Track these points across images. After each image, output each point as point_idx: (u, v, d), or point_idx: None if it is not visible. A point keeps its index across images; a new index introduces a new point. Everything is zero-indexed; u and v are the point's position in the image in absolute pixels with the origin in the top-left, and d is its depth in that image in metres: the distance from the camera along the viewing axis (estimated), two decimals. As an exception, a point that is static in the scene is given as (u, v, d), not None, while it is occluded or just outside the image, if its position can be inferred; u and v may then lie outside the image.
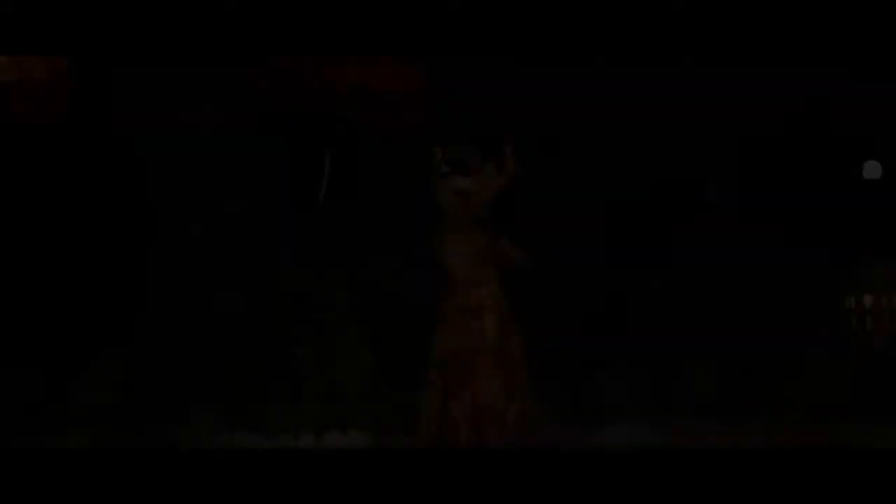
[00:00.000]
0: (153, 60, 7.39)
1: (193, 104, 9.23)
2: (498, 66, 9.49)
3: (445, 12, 5.90)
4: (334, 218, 9.24)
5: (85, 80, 6.18)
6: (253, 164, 9.61)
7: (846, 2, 5.91)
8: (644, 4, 6.00)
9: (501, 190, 6.03)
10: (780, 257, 10.16)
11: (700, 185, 10.76)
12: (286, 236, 9.49)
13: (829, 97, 10.08)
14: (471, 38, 6.23)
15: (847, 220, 10.91)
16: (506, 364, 6.10)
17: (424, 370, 6.17)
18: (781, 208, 10.51)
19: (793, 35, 5.98)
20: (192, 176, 9.34)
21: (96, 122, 8.85)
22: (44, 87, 5.82)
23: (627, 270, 10.67)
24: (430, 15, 5.94)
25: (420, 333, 6.70)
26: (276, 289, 9.52)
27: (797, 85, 9.99)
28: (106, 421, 8.47)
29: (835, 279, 10.52)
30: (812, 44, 6.02)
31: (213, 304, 9.18)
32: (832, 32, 5.89)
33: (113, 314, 9.76)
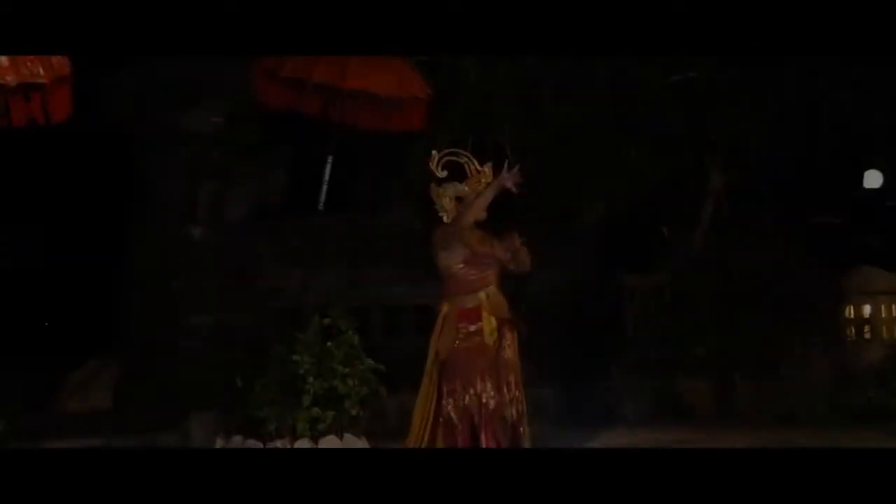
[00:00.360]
0: (151, 56, 7.37)
1: (195, 108, 9.24)
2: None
3: (446, 12, 5.87)
4: (333, 222, 9.23)
5: (86, 82, 6.15)
6: (253, 169, 9.62)
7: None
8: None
9: (499, 193, 6.01)
10: (779, 266, 10.17)
11: (699, 191, 10.79)
12: (284, 240, 9.49)
13: (827, 106, 10.11)
14: (471, 38, 6.21)
15: (847, 229, 10.93)
16: (502, 366, 6.09)
17: (421, 372, 6.17)
18: (781, 217, 10.53)
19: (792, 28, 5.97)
20: (192, 180, 9.34)
21: (97, 125, 8.86)
22: (45, 89, 5.78)
23: (625, 277, 10.69)
24: (431, 14, 5.92)
25: (418, 336, 6.69)
26: (274, 292, 9.52)
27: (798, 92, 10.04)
28: (101, 424, 8.46)
29: (833, 288, 10.53)
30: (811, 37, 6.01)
31: (209, 308, 9.18)
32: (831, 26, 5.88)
33: (109, 318, 9.75)
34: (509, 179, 5.97)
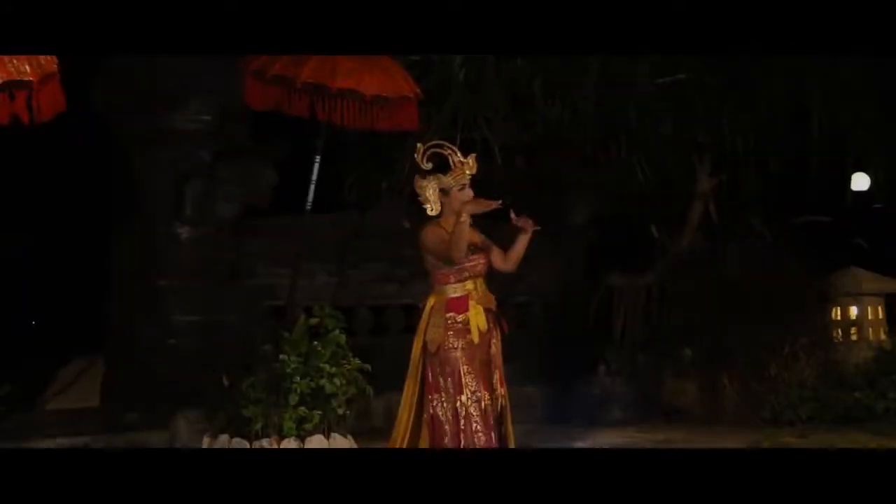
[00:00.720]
0: (141, 55, 7.35)
1: (183, 106, 9.21)
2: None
3: (445, 12, 5.85)
4: (321, 221, 9.22)
5: (73, 80, 6.14)
6: (241, 167, 9.59)
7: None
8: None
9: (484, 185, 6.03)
10: (767, 267, 10.18)
11: (687, 192, 10.81)
12: (272, 239, 9.47)
13: (816, 107, 10.13)
14: (462, 38, 6.19)
15: (834, 230, 10.93)
16: (488, 361, 6.08)
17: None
18: (769, 218, 10.55)
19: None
20: (180, 178, 9.31)
21: (84, 122, 8.83)
22: (32, 86, 5.76)
23: (613, 277, 10.70)
24: (429, 14, 5.90)
25: (406, 335, 6.68)
26: (261, 291, 9.52)
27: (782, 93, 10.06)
28: (87, 423, 8.43)
29: (820, 289, 10.54)
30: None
31: (196, 307, 9.15)
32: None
33: (96, 316, 9.72)
34: (479, 206, 5.97)
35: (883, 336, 10.77)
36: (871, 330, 10.80)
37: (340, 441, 7.25)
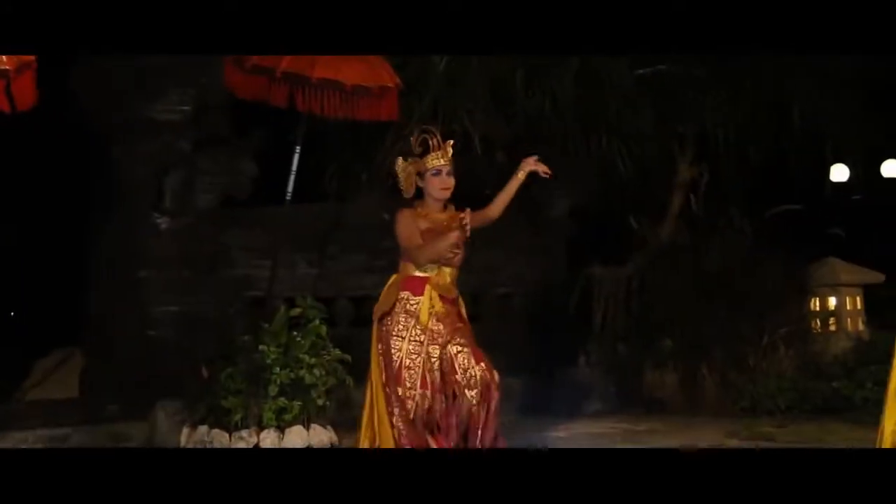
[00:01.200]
0: (122, 52, 7.30)
1: (163, 96, 9.17)
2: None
3: (445, 12, 5.84)
4: (302, 212, 9.21)
5: (53, 70, 6.11)
6: (221, 158, 9.56)
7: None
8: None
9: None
10: (747, 258, 10.21)
11: (668, 183, 10.84)
12: (252, 230, 9.46)
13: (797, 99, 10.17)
14: (444, 37, 6.18)
15: (813, 222, 10.98)
16: (433, 357, 6.03)
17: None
18: (749, 210, 10.58)
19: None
20: (160, 169, 9.28)
21: (64, 113, 8.79)
22: (9, 76, 5.73)
23: (593, 268, 10.72)
24: (404, 13, 5.88)
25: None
26: (241, 282, 9.50)
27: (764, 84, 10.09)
28: (66, 414, 8.40)
29: (799, 280, 10.58)
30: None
31: (176, 297, 9.13)
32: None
33: (75, 307, 9.68)
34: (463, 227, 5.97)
35: (861, 326, 10.83)
36: (849, 320, 10.85)
37: (320, 432, 7.25)
